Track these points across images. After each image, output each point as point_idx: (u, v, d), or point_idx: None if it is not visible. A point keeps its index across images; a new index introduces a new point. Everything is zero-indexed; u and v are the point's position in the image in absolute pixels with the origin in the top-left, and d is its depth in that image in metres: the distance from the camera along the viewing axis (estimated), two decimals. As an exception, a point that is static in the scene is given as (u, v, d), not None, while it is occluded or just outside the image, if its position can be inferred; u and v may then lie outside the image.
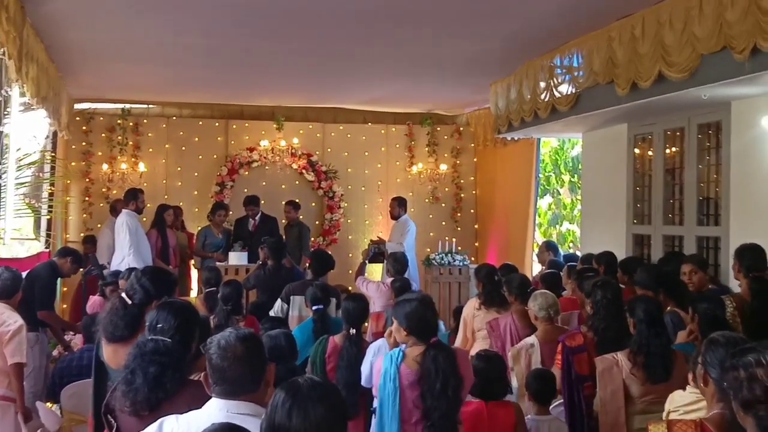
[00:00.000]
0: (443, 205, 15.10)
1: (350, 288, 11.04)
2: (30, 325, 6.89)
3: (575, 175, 17.88)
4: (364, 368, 5.40)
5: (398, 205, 12.79)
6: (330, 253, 10.05)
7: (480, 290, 7.55)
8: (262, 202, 12.81)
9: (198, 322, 4.12)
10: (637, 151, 9.54)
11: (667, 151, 8.94)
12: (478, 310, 7.26)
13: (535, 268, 11.95)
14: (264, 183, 14.20)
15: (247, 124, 14.39)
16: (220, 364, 3.21)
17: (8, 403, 6.16)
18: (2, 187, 7.48)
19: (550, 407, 5.59)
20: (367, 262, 10.97)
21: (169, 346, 3.74)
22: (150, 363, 3.66)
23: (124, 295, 4.67)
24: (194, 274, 12.72)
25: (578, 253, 10.74)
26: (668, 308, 6.08)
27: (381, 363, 4.70)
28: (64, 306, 11.94)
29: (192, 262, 12.60)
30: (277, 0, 7.40)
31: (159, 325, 3.84)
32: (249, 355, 3.24)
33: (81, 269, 9.19)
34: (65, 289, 12.05)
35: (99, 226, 12.89)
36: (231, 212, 12.92)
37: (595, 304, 5.77)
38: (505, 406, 4.98)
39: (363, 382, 5.34)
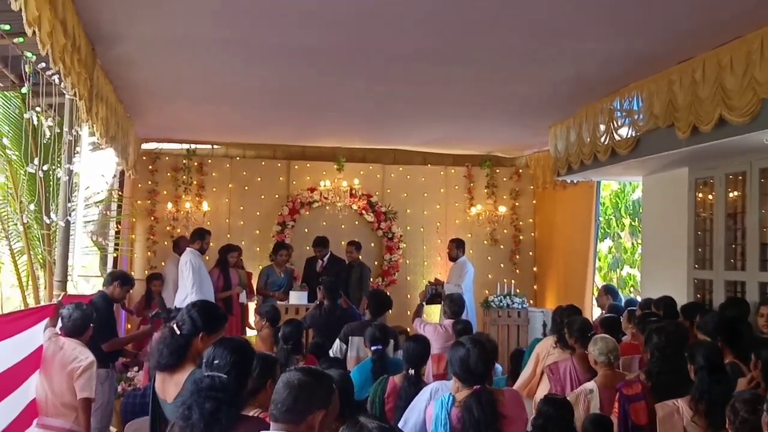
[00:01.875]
0: (502, 247, 15.06)
1: (408, 329, 11.04)
2: (100, 361, 7.02)
3: (636, 219, 17.69)
4: (414, 414, 5.24)
5: (456, 247, 12.78)
6: (388, 293, 10.06)
7: (556, 330, 7.47)
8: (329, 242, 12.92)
9: (252, 358, 4.20)
10: (698, 195, 9.42)
11: (729, 195, 8.82)
12: (554, 348, 7.19)
13: (594, 312, 11.81)
14: (324, 223, 14.33)
15: (308, 165, 14.57)
16: (276, 387, 3.33)
17: (75, 437, 6.26)
18: (71, 225, 7.63)
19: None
20: (424, 303, 10.94)
21: (225, 382, 3.81)
22: (206, 399, 3.73)
23: (174, 325, 4.79)
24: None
25: (638, 298, 10.58)
26: (727, 360, 5.96)
27: (432, 408, 4.71)
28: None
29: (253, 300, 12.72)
30: (339, 41, 7.48)
31: (215, 362, 3.92)
32: (299, 386, 3.29)
33: (152, 311, 9.27)
34: (129, 326, 12.25)
35: (163, 264, 13.14)
36: (293, 251, 13.00)
37: (651, 349, 5.70)
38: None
39: (408, 431, 5.17)
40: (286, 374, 3.35)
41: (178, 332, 4.75)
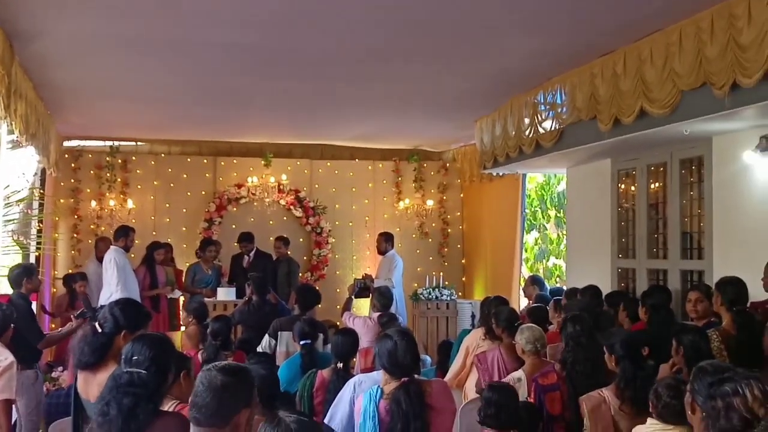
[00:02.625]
0: (430, 240, 15.13)
1: (338, 323, 11.02)
2: (28, 362, 6.88)
3: (561, 210, 17.93)
4: (340, 407, 5.15)
5: (385, 241, 12.82)
6: (316, 287, 10.02)
7: (485, 321, 7.51)
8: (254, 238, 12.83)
9: (172, 353, 4.14)
10: (621, 186, 9.58)
11: (651, 185, 8.99)
12: (483, 340, 7.23)
13: (522, 303, 11.94)
14: (252, 219, 14.21)
15: (235, 161, 14.43)
16: (196, 387, 3.24)
17: (-9, 439, 6.09)
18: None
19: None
20: (353, 297, 10.94)
21: (143, 378, 3.75)
22: (124, 395, 3.68)
23: (96, 323, 4.71)
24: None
25: (564, 288, 10.73)
26: None
27: (361, 401, 4.70)
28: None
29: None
30: (264, 39, 7.43)
31: (134, 357, 3.85)
32: (223, 387, 3.22)
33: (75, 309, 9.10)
34: (53, 325, 11.97)
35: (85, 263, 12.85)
36: (221, 247, 12.87)
37: (566, 338, 5.77)
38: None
39: (335, 425, 5.06)
40: (206, 375, 3.26)
41: (100, 330, 4.67)
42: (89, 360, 4.58)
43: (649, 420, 4.24)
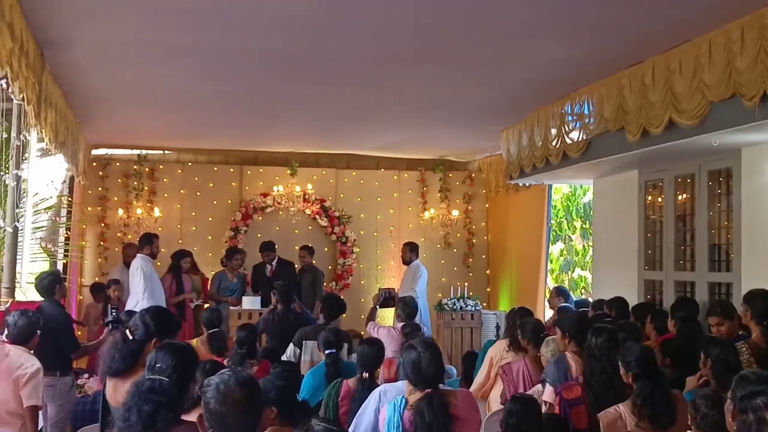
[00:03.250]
0: (455, 250, 15.10)
1: (362, 333, 11.00)
2: (65, 369, 7.14)
3: (587, 221, 17.83)
4: (365, 417, 5.14)
5: (410, 251, 12.78)
6: (342, 297, 10.00)
7: (510, 333, 7.46)
8: (276, 247, 12.83)
9: (195, 362, 4.16)
10: (648, 197, 9.52)
11: (678, 197, 8.92)
12: (507, 352, 7.18)
13: (547, 314, 11.88)
14: (278, 228, 14.26)
15: (261, 170, 14.48)
16: (219, 409, 3.22)
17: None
18: (20, 231, 7.51)
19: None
20: (377, 307, 10.91)
21: (165, 386, 3.78)
22: (145, 401, 3.70)
23: (126, 330, 4.73)
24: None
25: (590, 299, 10.67)
26: None
27: (385, 411, 4.68)
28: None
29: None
30: (291, 46, 7.45)
31: (157, 365, 3.90)
32: (248, 400, 3.25)
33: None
34: (79, 333, 12.04)
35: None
36: (246, 256, 12.90)
37: (587, 351, 5.67)
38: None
39: None
40: (221, 390, 3.26)
41: (131, 337, 4.69)
42: (120, 367, 4.62)
43: None
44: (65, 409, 7.37)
